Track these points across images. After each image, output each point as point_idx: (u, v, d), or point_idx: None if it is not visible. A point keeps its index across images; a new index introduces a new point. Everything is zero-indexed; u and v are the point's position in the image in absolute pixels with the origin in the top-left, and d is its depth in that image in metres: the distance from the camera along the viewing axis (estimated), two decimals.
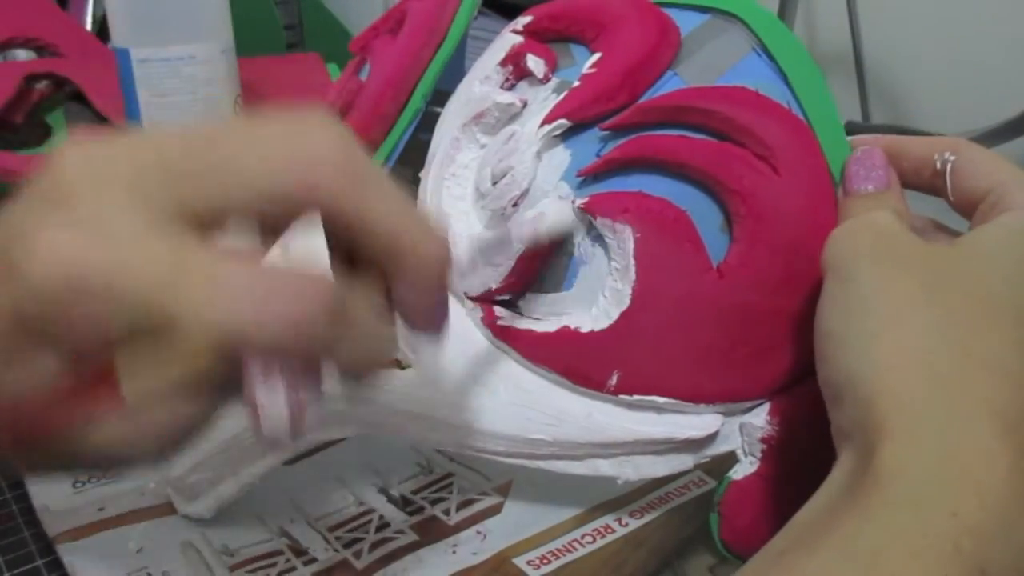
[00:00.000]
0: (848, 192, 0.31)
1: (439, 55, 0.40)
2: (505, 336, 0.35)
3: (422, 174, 0.39)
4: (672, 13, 0.35)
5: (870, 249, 0.28)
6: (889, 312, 0.26)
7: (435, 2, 0.40)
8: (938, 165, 0.31)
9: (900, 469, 0.23)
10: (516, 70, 0.37)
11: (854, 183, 0.31)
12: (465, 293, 0.37)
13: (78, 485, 0.42)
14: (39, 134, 0.68)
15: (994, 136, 0.51)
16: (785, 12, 0.64)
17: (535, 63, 0.36)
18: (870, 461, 0.23)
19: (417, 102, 0.41)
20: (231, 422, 0.39)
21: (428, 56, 0.40)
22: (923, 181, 0.32)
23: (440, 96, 0.40)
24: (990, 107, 0.53)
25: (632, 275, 0.32)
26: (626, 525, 0.39)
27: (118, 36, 0.60)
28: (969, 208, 0.30)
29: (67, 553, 0.38)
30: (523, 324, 0.35)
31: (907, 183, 0.32)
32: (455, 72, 0.39)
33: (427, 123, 0.40)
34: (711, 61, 0.34)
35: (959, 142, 0.31)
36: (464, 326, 0.36)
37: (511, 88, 0.37)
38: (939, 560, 0.21)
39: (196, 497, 0.40)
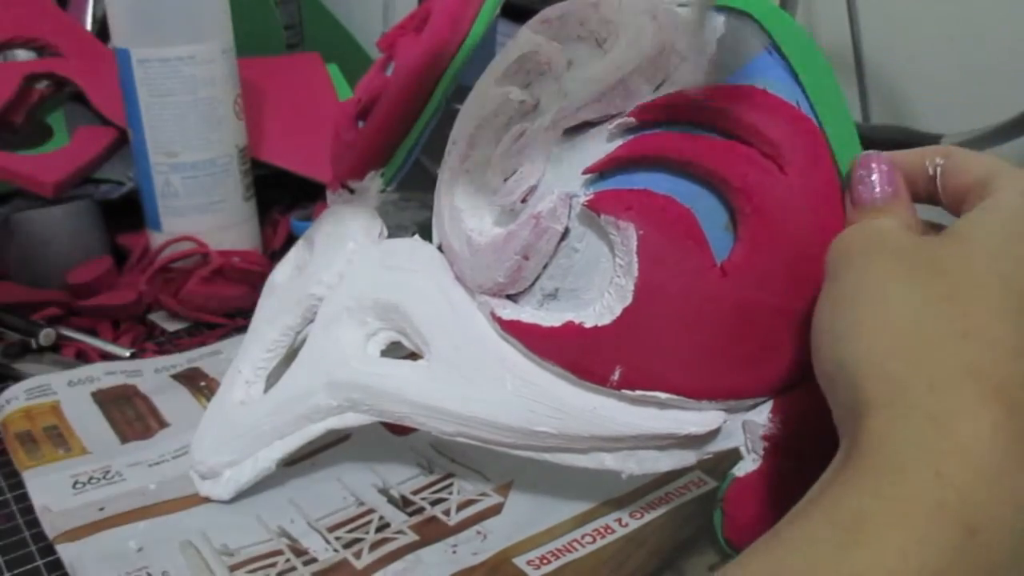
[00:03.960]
0: (854, 203, 0.31)
1: (460, 53, 0.40)
2: (512, 329, 0.35)
3: (439, 170, 0.40)
4: (688, 12, 0.35)
5: (860, 248, 0.28)
6: (872, 297, 0.26)
7: (458, 0, 0.40)
8: (930, 171, 0.31)
9: (884, 437, 0.23)
10: (530, 68, 0.37)
11: (859, 196, 0.31)
12: (475, 287, 0.37)
13: (78, 486, 0.42)
14: (39, 134, 0.68)
15: (994, 136, 0.51)
16: (785, 12, 0.64)
17: (547, 62, 0.36)
18: (856, 435, 0.24)
19: (437, 99, 0.41)
20: (250, 410, 0.40)
21: (450, 54, 0.40)
22: (919, 191, 0.32)
23: (463, 92, 0.40)
24: (990, 107, 0.53)
25: (635, 272, 0.32)
26: (626, 525, 0.39)
27: (118, 36, 0.60)
28: (959, 205, 0.30)
29: (67, 553, 0.38)
30: (529, 318, 0.35)
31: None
32: (481, 69, 0.40)
33: (449, 120, 0.40)
34: (721, 60, 0.34)
35: (950, 148, 0.32)
36: (472, 318, 0.37)
37: (525, 87, 0.38)
38: (923, 519, 0.21)
39: (216, 479, 0.41)
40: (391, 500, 0.41)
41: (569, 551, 0.38)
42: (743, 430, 0.34)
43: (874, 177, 0.31)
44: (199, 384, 0.51)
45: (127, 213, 0.66)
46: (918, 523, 0.21)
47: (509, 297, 0.36)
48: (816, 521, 0.22)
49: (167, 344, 0.57)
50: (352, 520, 0.40)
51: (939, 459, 0.22)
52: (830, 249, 0.30)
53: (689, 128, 0.32)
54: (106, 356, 0.55)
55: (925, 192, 0.31)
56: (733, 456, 0.34)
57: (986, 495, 0.22)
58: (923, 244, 0.27)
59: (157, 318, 0.60)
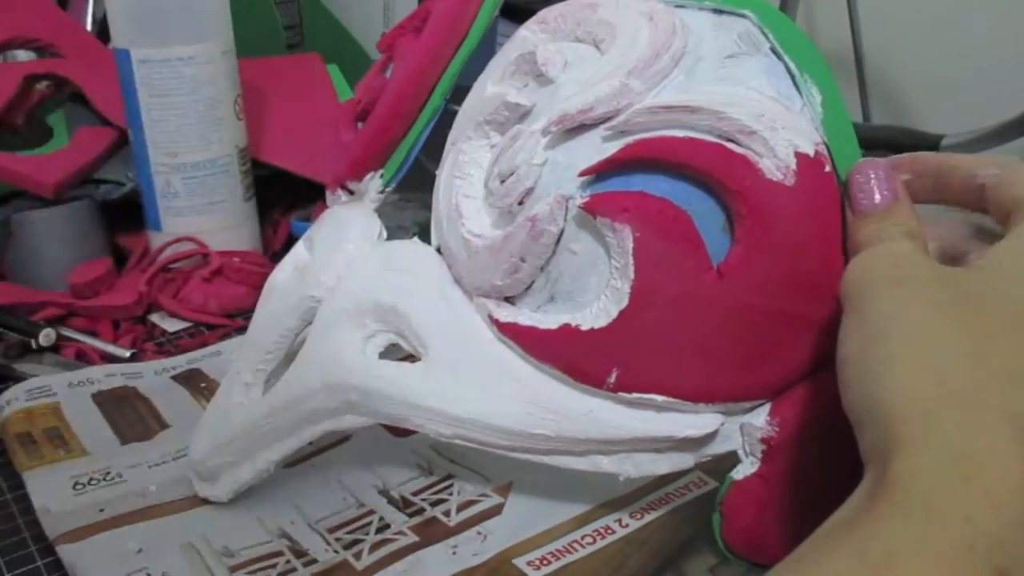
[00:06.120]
0: (855, 211, 0.31)
1: (459, 53, 0.40)
2: (509, 332, 0.35)
3: (437, 171, 0.40)
4: (686, 14, 0.35)
5: (883, 276, 0.28)
6: (902, 333, 0.26)
7: (457, 1, 0.40)
8: (980, 182, 0.30)
9: (913, 477, 0.23)
10: (527, 70, 0.37)
11: (859, 203, 0.31)
12: (473, 289, 0.37)
13: (79, 487, 0.42)
14: (39, 134, 0.68)
15: (994, 136, 0.51)
16: (786, 12, 0.64)
17: (544, 64, 0.36)
18: (885, 473, 0.23)
19: (436, 100, 0.41)
20: (248, 412, 0.40)
21: (449, 54, 0.40)
22: (971, 199, 0.31)
23: (463, 93, 0.40)
24: (990, 107, 0.53)
25: (631, 274, 0.32)
26: (626, 526, 0.39)
27: (118, 36, 0.60)
28: (1004, 220, 0.30)
29: (67, 554, 0.38)
30: (526, 320, 0.35)
31: (956, 202, 0.32)
32: (480, 69, 0.39)
33: (448, 121, 0.40)
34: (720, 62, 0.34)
35: (1006, 159, 0.31)
36: (470, 321, 0.36)
37: (522, 88, 0.37)
38: (953, 563, 0.21)
39: (214, 480, 0.41)
40: (391, 501, 0.41)
41: (569, 552, 0.38)
42: (741, 433, 0.34)
43: (872, 183, 0.31)
44: (199, 385, 0.51)
45: (127, 213, 0.66)
46: (947, 566, 0.21)
47: (507, 299, 0.36)
48: (844, 558, 0.22)
49: (167, 345, 0.58)
50: (352, 521, 0.40)
51: (969, 503, 0.22)
52: (846, 275, 0.29)
53: (686, 130, 0.32)
54: (106, 356, 0.55)
55: (976, 202, 0.31)
56: (732, 458, 0.34)
57: (1013, 541, 0.22)
58: (951, 275, 0.27)
59: (157, 318, 0.60)
